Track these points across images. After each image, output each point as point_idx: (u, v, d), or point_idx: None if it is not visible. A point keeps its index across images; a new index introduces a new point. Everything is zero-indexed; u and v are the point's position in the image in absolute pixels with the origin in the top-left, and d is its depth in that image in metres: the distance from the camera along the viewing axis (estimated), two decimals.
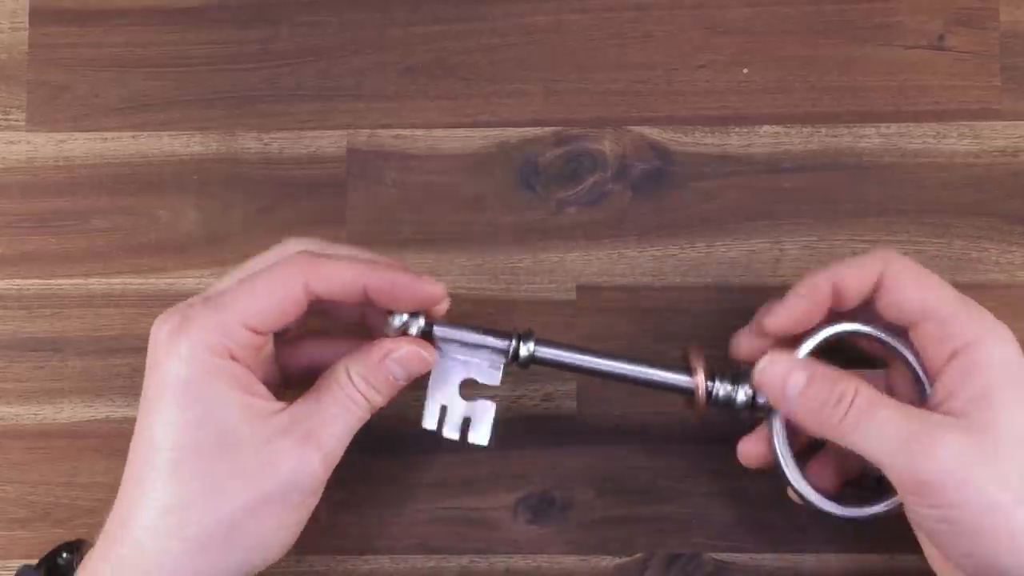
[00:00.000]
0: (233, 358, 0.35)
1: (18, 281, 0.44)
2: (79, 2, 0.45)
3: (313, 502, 0.37)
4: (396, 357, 0.36)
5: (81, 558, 0.36)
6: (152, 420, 0.35)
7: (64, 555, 0.38)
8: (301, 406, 0.36)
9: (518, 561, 0.43)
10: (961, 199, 0.43)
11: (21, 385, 0.44)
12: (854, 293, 0.36)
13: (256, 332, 0.35)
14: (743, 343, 0.39)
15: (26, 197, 0.44)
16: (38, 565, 0.38)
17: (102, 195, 0.44)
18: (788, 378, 0.36)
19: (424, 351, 0.37)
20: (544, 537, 0.43)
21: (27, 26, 0.45)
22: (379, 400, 0.37)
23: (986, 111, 0.43)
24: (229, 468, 0.34)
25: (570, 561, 0.43)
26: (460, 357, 0.38)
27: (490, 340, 0.38)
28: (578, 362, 0.38)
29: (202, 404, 0.34)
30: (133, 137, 0.45)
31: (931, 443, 0.33)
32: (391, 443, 0.43)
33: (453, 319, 0.38)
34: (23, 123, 0.45)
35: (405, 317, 0.37)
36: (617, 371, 0.38)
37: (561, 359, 0.38)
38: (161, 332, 0.35)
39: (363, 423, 0.37)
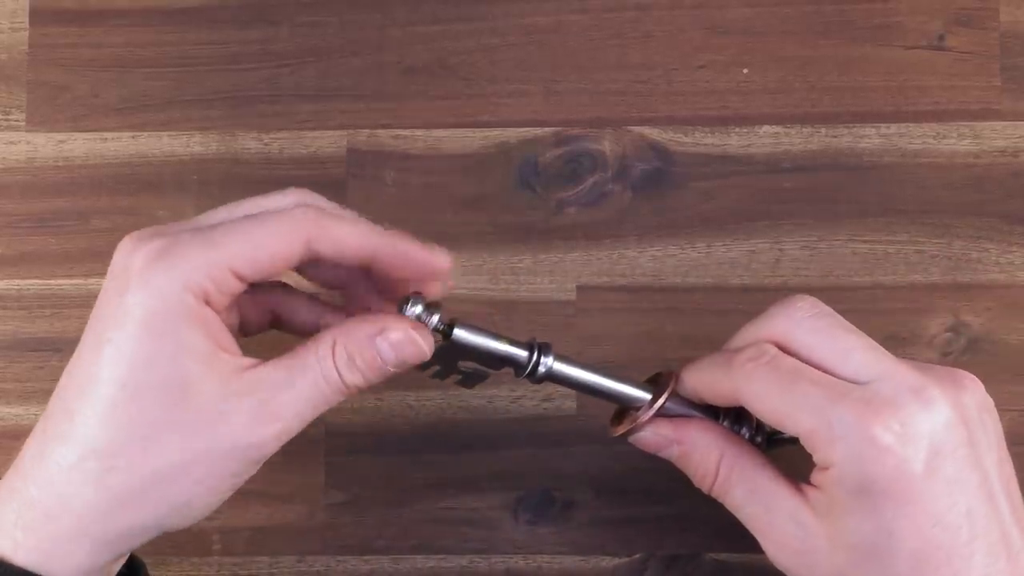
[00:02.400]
0: (207, 302, 0.31)
1: (18, 281, 0.44)
2: (79, 2, 0.45)
3: (252, 472, 0.33)
4: (390, 339, 0.33)
5: None
6: (102, 350, 0.31)
7: None
8: (270, 371, 0.32)
9: (518, 561, 0.43)
10: (961, 199, 0.43)
11: (21, 385, 0.44)
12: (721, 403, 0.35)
13: (240, 279, 0.32)
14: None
15: (26, 197, 0.44)
16: None
17: (102, 195, 0.44)
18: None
19: (422, 340, 0.33)
20: (544, 537, 0.43)
21: (27, 26, 0.45)
22: (359, 382, 0.33)
23: (986, 111, 0.43)
24: (173, 419, 0.31)
25: (570, 561, 0.43)
26: (467, 366, 0.35)
27: (513, 353, 0.34)
28: (594, 385, 0.35)
29: (165, 345, 0.31)
30: (133, 137, 0.44)
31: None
32: (391, 443, 0.43)
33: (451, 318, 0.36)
34: (23, 123, 0.45)
35: (419, 308, 0.33)
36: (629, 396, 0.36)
37: (576, 379, 0.35)
38: (138, 254, 0.31)
39: (334, 404, 0.33)
